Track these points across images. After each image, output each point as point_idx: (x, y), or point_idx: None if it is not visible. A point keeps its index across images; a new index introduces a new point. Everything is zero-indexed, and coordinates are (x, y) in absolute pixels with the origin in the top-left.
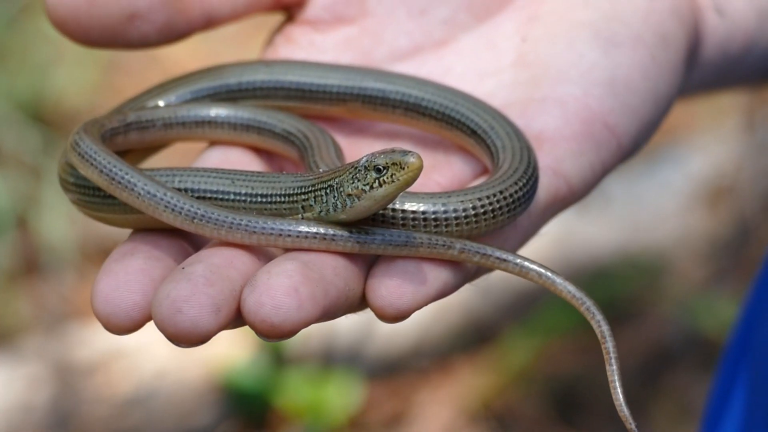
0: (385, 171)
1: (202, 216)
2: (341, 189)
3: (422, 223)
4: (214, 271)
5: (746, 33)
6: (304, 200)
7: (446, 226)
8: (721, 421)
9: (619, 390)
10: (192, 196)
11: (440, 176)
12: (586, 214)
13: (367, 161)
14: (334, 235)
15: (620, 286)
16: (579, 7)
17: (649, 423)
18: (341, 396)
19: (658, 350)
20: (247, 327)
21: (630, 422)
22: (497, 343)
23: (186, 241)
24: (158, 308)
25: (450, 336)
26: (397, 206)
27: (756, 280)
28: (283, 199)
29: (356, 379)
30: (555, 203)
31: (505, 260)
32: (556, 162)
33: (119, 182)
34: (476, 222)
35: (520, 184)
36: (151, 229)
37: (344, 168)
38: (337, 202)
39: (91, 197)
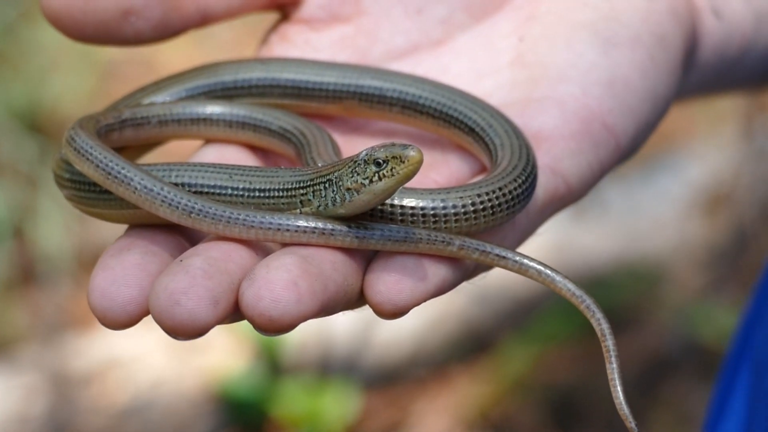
0: (384, 164)
1: (200, 210)
2: (340, 183)
3: (421, 218)
4: (212, 264)
5: (743, 35)
6: (302, 195)
7: (445, 222)
8: (721, 428)
9: (619, 388)
10: (189, 191)
11: (438, 175)
12: (584, 222)
13: (366, 155)
14: (332, 229)
15: (618, 294)
16: (577, 7)
17: (647, 431)
18: (338, 405)
19: (656, 358)
20: (244, 334)
21: (630, 420)
22: (494, 352)
23: (183, 237)
24: (156, 300)
25: (447, 345)
26: (396, 202)
27: (756, 288)
28: (281, 193)
29: (353, 388)
30: (553, 202)
31: (504, 257)
32: (555, 161)
33: (116, 177)
34: (475, 218)
35: (519, 181)
36: (148, 225)
37: (343, 162)
38: (336, 196)
39: (87, 193)
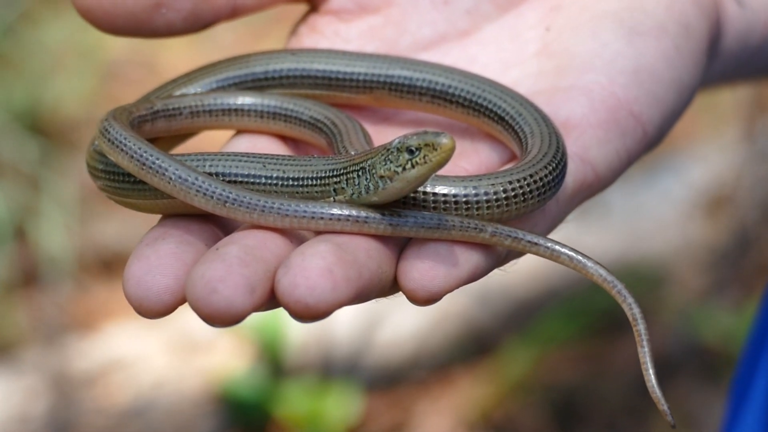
0: (417, 152)
1: (234, 200)
2: (373, 171)
3: (453, 206)
4: (248, 252)
5: (766, 23)
6: (336, 183)
7: (477, 209)
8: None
9: (651, 372)
10: (223, 180)
11: (468, 163)
12: (586, 223)
13: (399, 143)
14: (366, 217)
15: None
16: None
17: (649, 431)
18: (340, 407)
19: (658, 359)
20: (246, 335)
21: (662, 404)
22: (496, 354)
23: (217, 226)
24: (192, 288)
25: (449, 346)
26: (428, 189)
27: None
28: (315, 182)
29: (355, 389)
30: (582, 190)
31: (536, 244)
32: (583, 149)
33: (150, 167)
34: (507, 205)
35: (550, 168)
36: (182, 215)
37: (376, 150)
38: (370, 184)
39: (121, 183)
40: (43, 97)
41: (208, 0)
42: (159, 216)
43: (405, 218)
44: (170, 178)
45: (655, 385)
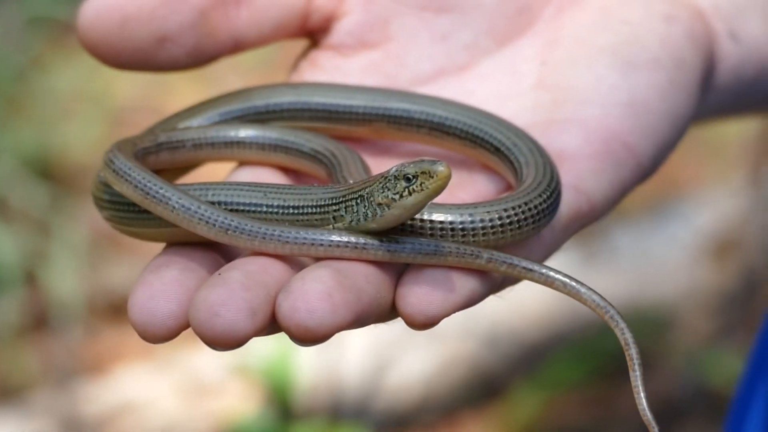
0: (414, 180)
1: (236, 227)
2: (371, 198)
3: (450, 232)
4: (249, 277)
5: (760, 58)
6: (335, 210)
7: (473, 235)
8: None
9: (642, 395)
10: (225, 209)
11: (465, 194)
12: (594, 267)
13: (396, 171)
14: (365, 243)
15: None
16: (598, 31)
17: None
18: None
19: (666, 403)
20: (255, 378)
21: (654, 426)
22: (505, 397)
23: (219, 254)
24: (195, 312)
25: (457, 390)
26: (425, 216)
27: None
28: (314, 210)
29: None
30: (577, 219)
31: (531, 270)
32: (578, 179)
33: (154, 196)
34: (502, 232)
35: (545, 196)
36: (185, 243)
37: (374, 178)
38: (368, 211)
39: (126, 213)
40: (53, 142)
41: (211, 35)
42: (162, 245)
43: (403, 245)
44: (173, 207)
45: (646, 408)
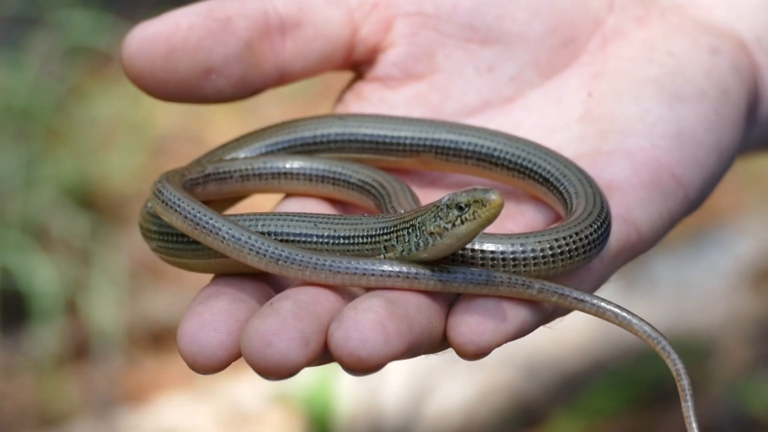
0: (467, 209)
1: (287, 258)
2: (423, 228)
3: (501, 262)
4: (301, 307)
5: None
6: (386, 240)
7: (524, 265)
8: None
9: (694, 425)
10: (276, 239)
11: (513, 225)
12: (634, 296)
13: (449, 199)
14: (416, 273)
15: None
16: (643, 63)
17: None
18: None
19: None
20: (295, 406)
21: None
22: (544, 426)
23: (268, 285)
24: (248, 342)
25: (497, 419)
26: (477, 246)
27: None
28: (365, 240)
29: None
30: (626, 250)
31: (582, 300)
32: (627, 210)
33: (204, 227)
34: (553, 262)
35: (595, 226)
36: (234, 273)
37: (426, 207)
38: (419, 241)
39: (175, 244)
40: (93, 171)
41: (257, 66)
42: (210, 277)
43: (454, 274)
44: (224, 238)
45: None
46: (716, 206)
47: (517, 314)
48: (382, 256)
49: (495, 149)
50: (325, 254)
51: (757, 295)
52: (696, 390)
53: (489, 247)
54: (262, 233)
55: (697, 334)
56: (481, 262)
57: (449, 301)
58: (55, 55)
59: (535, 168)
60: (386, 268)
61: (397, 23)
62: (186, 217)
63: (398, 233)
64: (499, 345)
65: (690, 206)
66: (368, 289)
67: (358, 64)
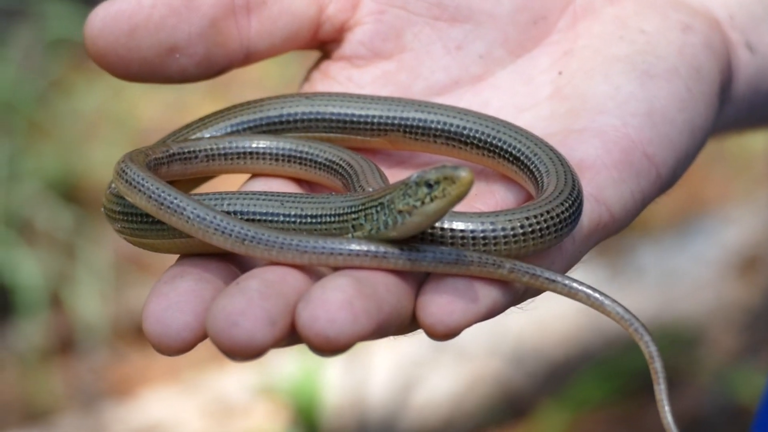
0: (436, 186)
1: (253, 237)
2: (392, 206)
3: (470, 241)
4: (268, 286)
5: None
6: (354, 219)
7: (494, 244)
8: None
9: (667, 409)
10: (242, 218)
11: (483, 204)
12: (620, 285)
13: (418, 177)
14: (385, 252)
15: None
16: (614, 41)
17: None
18: None
19: (692, 420)
20: (281, 399)
21: None
22: (531, 416)
23: (235, 265)
24: (213, 322)
25: (483, 409)
26: (446, 225)
27: None
28: (333, 218)
29: None
30: (598, 230)
31: (553, 281)
32: (598, 190)
33: (168, 207)
34: (524, 241)
35: (567, 204)
36: (200, 254)
37: (394, 185)
38: (388, 219)
39: (139, 224)
40: (76, 165)
41: (222, 45)
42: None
43: (424, 253)
44: (188, 217)
45: (671, 423)
46: (702, 194)
47: (487, 294)
48: (350, 235)
49: (464, 128)
50: (292, 233)
51: (743, 283)
52: (683, 379)
53: (458, 225)
54: (228, 213)
55: (684, 322)
56: (450, 240)
57: (419, 281)
58: (37, 48)
59: (505, 146)
60: (354, 247)
61: (364, 1)
62: (150, 197)
63: (366, 212)
64: (469, 325)
65: (662, 186)
66: (336, 269)
67: (324, 43)
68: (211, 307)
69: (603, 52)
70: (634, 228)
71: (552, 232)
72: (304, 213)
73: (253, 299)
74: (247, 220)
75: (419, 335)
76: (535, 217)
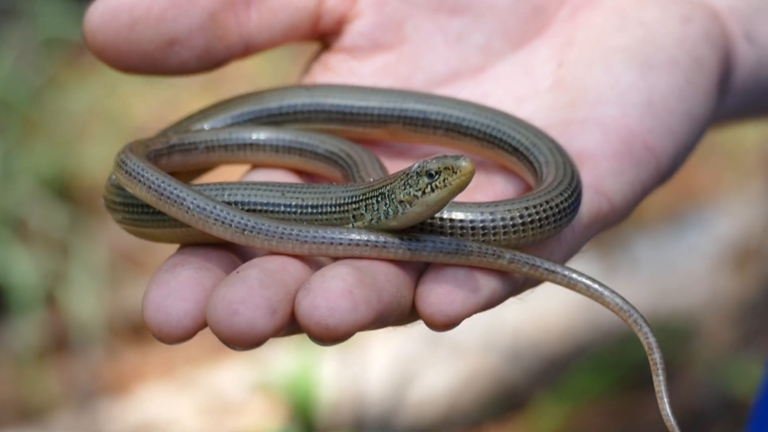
0: (437, 176)
1: (253, 227)
2: (393, 196)
3: (470, 231)
4: (268, 275)
5: None
6: (354, 209)
7: (494, 234)
8: None
9: (665, 400)
10: (242, 209)
11: (483, 196)
12: (615, 278)
13: (419, 167)
14: (385, 242)
15: None
16: (613, 32)
17: None
18: None
19: (689, 412)
20: (278, 395)
21: (676, 431)
22: (527, 410)
23: (235, 254)
24: (213, 310)
25: (481, 403)
26: (446, 215)
27: None
28: (333, 208)
29: None
30: (598, 220)
31: (553, 271)
32: (598, 180)
33: (168, 197)
34: (523, 231)
35: (566, 195)
36: (200, 243)
37: (395, 175)
38: (389, 209)
39: (139, 215)
40: (70, 162)
41: (221, 38)
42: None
43: (424, 243)
44: (188, 208)
45: (670, 414)
46: (696, 186)
47: (487, 284)
48: (350, 225)
49: (464, 119)
50: (292, 223)
51: (738, 275)
52: (678, 371)
53: (458, 215)
54: (228, 203)
55: (678, 315)
56: (450, 230)
57: (419, 271)
58: (31, 46)
59: (504, 137)
60: (354, 236)
61: None
62: (150, 187)
63: (367, 202)
64: (468, 315)
65: (662, 176)
66: (336, 259)
67: (324, 35)
68: (211, 296)
69: (603, 43)
70: (628, 220)
71: (551, 222)
72: (304, 203)
73: (253, 288)
74: (248, 210)
75: (416, 330)
76: (534, 207)
